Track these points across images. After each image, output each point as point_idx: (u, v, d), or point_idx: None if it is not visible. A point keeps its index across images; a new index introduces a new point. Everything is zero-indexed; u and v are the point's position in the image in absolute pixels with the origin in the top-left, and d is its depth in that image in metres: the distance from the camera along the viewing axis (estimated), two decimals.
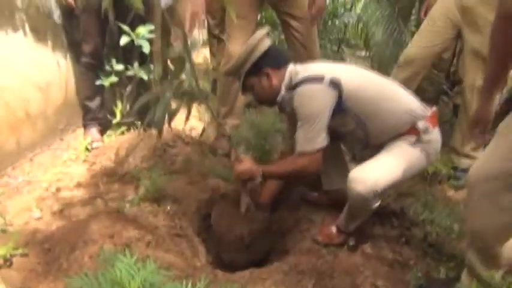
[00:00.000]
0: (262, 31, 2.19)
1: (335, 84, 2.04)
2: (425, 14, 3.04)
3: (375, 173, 2.01)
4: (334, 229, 2.27)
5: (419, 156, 2.10)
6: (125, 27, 2.92)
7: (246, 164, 2.22)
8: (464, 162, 2.84)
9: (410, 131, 2.10)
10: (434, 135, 2.13)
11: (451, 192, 2.79)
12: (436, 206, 2.48)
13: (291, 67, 2.22)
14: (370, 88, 2.12)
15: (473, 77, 2.75)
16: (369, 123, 2.12)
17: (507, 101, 3.69)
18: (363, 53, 5.68)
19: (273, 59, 2.18)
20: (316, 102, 2.05)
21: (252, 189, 2.35)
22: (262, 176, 2.20)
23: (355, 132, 2.17)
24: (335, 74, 2.07)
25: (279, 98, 2.21)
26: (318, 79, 2.06)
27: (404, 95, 2.17)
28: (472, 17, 2.68)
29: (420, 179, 2.83)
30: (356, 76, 2.16)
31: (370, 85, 2.14)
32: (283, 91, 2.19)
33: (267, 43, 2.17)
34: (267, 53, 2.16)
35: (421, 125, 2.07)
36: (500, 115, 3.63)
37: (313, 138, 2.06)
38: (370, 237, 2.32)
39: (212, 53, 4.53)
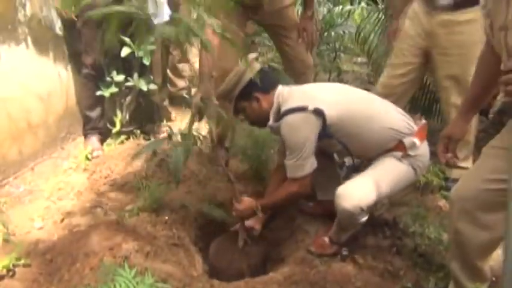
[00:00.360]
0: (251, 56, 2.27)
1: (318, 113, 2.13)
2: (394, 38, 3.05)
3: (360, 190, 2.10)
4: (327, 240, 2.34)
5: (406, 171, 2.18)
6: (126, 39, 2.99)
7: (245, 203, 2.33)
8: (455, 173, 2.90)
9: (397, 147, 2.18)
10: (422, 149, 2.21)
11: (442, 202, 2.85)
12: (427, 216, 2.53)
13: (280, 90, 2.30)
14: (353, 112, 2.20)
15: (446, 96, 2.82)
16: (353, 145, 2.23)
17: (499, 112, 3.76)
18: (359, 59, 5.75)
19: (262, 84, 2.25)
20: (301, 131, 2.15)
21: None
22: (262, 211, 2.33)
23: (342, 151, 2.29)
24: (318, 102, 2.15)
25: (268, 126, 2.32)
26: (301, 109, 2.15)
27: (389, 113, 2.25)
28: (437, 40, 2.73)
29: (413, 189, 2.88)
30: (339, 101, 2.23)
31: (353, 109, 2.22)
32: (270, 121, 2.29)
33: (255, 68, 2.25)
34: (255, 78, 2.23)
35: (407, 141, 2.16)
36: (493, 125, 3.73)
37: (301, 165, 2.18)
38: (362, 247, 2.38)
39: None
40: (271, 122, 2.29)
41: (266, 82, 2.29)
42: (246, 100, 2.31)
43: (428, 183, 2.86)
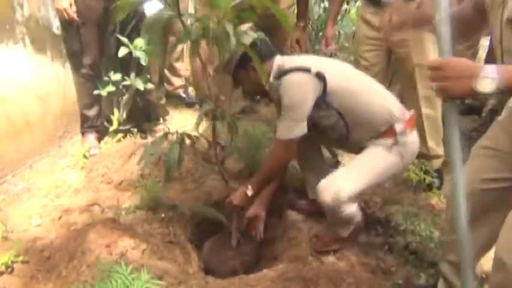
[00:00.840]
0: (246, 25, 2.23)
1: (320, 77, 2.14)
2: (326, 45, 3.10)
3: (342, 182, 2.11)
4: (330, 236, 2.38)
5: (393, 160, 2.19)
6: (124, 40, 3.02)
7: (237, 193, 2.32)
8: (435, 163, 2.99)
9: (388, 132, 2.19)
10: (411, 137, 2.23)
11: (434, 200, 2.90)
12: (418, 214, 2.58)
13: (278, 59, 2.30)
14: (352, 84, 2.23)
15: (405, 85, 2.93)
16: (349, 117, 2.22)
17: (492, 111, 3.82)
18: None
19: (258, 53, 2.16)
20: (300, 91, 2.14)
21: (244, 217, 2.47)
22: (252, 188, 2.30)
23: (337, 125, 2.25)
24: (321, 68, 2.16)
25: (267, 87, 2.30)
26: (305, 70, 2.15)
27: (385, 95, 2.29)
28: (393, 35, 2.79)
29: (405, 188, 2.93)
30: (340, 71, 2.27)
31: (354, 81, 2.25)
32: (271, 79, 2.27)
33: (250, 37, 2.22)
34: (251, 48, 2.15)
35: (398, 127, 2.17)
36: (485, 123, 3.77)
37: (293, 127, 2.16)
38: (355, 245, 2.43)
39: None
40: (271, 79, 2.26)
41: (262, 51, 2.25)
42: (244, 69, 2.29)
43: (420, 181, 2.90)
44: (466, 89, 1.29)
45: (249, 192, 2.30)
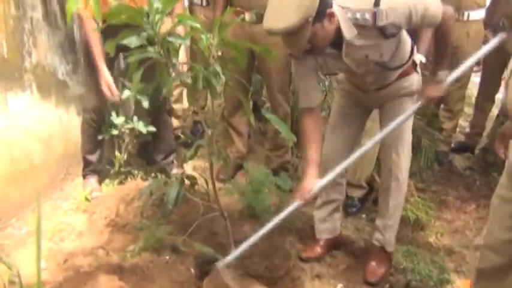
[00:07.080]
0: None
1: None
2: None
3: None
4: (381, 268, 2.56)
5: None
6: (127, 83, 3.07)
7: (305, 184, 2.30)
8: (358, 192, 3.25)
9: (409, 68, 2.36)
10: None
11: (432, 238, 2.96)
12: (418, 253, 2.64)
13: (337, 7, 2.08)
14: None
15: None
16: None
17: (484, 150, 3.95)
18: None
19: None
20: None
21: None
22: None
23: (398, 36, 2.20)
24: None
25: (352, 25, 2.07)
26: None
27: None
28: None
29: (404, 226, 2.99)
30: None
31: None
32: (357, 16, 2.03)
33: None
34: None
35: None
36: (478, 162, 3.86)
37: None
38: (357, 284, 2.48)
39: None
40: (358, 15, 2.02)
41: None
42: (319, 23, 2.00)
43: (418, 219, 2.97)
44: None
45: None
